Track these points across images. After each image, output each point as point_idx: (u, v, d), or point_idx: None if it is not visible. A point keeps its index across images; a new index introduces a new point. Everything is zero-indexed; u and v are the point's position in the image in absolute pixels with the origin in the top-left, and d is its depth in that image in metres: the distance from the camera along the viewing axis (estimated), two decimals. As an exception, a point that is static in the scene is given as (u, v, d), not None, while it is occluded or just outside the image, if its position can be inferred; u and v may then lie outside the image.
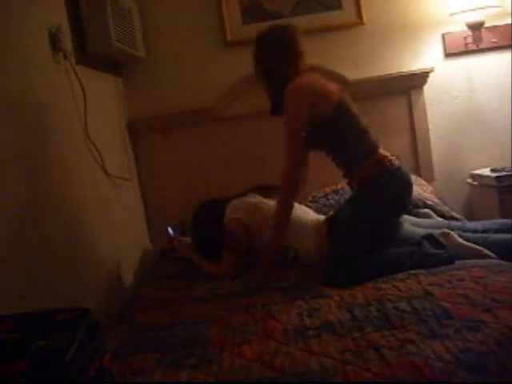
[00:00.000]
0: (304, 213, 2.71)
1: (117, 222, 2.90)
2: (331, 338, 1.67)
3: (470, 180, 3.50)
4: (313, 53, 3.35)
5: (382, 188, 2.42)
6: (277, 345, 1.68)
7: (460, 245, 2.30)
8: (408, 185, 2.48)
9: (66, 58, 2.51)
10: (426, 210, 2.86)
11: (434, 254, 2.25)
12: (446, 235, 2.34)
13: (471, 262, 2.18)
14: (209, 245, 2.75)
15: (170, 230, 2.90)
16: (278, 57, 2.51)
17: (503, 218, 3.12)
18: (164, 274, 2.73)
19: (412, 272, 2.13)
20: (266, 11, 3.44)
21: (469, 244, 2.29)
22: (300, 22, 3.37)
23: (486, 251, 2.25)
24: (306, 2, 3.44)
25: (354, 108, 2.51)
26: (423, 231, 2.45)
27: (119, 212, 2.99)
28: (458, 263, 2.19)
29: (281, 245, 2.49)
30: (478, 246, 2.28)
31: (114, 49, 2.89)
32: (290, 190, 2.47)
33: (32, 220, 1.97)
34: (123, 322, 2.13)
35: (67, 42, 2.55)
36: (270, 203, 2.68)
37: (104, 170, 2.80)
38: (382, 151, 2.50)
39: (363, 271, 2.22)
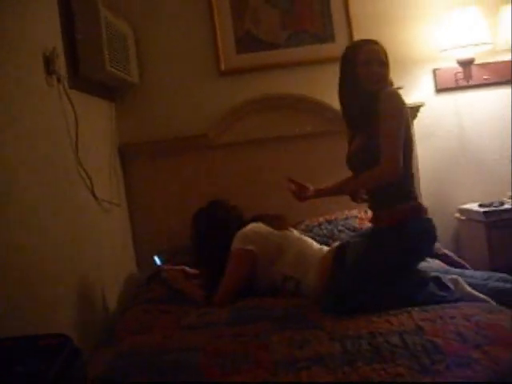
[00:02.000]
0: (307, 243, 2.68)
1: (104, 247, 2.88)
2: (321, 370, 1.65)
3: (458, 215, 3.52)
4: (305, 84, 3.44)
5: (410, 235, 2.39)
6: (267, 376, 1.66)
7: (468, 293, 2.27)
8: (435, 239, 2.49)
9: (59, 81, 2.51)
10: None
11: (440, 295, 2.23)
12: (454, 281, 2.31)
13: (463, 302, 2.17)
14: (206, 249, 2.72)
15: (157, 259, 2.86)
16: None
17: (491, 252, 3.14)
18: (151, 298, 2.69)
19: (405, 308, 2.11)
20: (260, 41, 3.48)
21: (476, 293, 2.26)
22: (293, 53, 3.45)
23: (492, 302, 2.21)
24: (299, 34, 3.48)
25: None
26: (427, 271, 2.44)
27: (107, 236, 2.97)
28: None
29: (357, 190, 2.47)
30: (484, 297, 2.25)
31: (107, 73, 2.89)
32: (394, 174, 2.34)
33: (19, 242, 1.94)
34: (108, 345, 2.09)
35: (61, 66, 2.55)
36: (275, 233, 2.66)
37: (93, 193, 2.78)
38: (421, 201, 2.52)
39: (372, 302, 2.19)
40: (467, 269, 2.70)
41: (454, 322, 1.90)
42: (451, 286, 2.29)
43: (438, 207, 3.45)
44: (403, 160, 2.34)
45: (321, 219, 3.20)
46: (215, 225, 2.75)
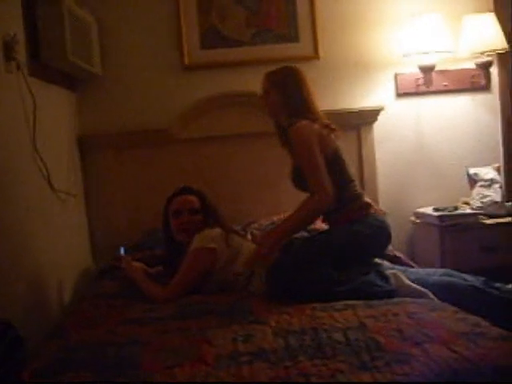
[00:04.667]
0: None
1: (58, 237, 2.85)
2: (263, 365, 1.66)
3: (413, 218, 3.58)
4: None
5: (357, 232, 2.46)
6: (208, 369, 1.66)
7: (408, 286, 2.33)
8: (387, 237, 2.56)
9: (18, 68, 2.49)
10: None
11: (377, 284, 2.30)
12: (394, 275, 2.38)
13: (407, 298, 2.23)
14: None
15: (122, 249, 2.85)
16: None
17: (443, 256, 3.20)
18: (102, 293, 2.67)
19: (350, 303, 2.16)
20: (225, 38, 3.49)
21: (416, 286, 2.33)
22: (258, 51, 3.47)
23: (431, 294, 2.28)
24: (264, 33, 3.50)
25: (344, 154, 2.60)
26: None
27: (62, 228, 2.94)
28: (395, 299, 2.22)
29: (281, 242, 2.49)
30: (423, 289, 2.31)
31: (68, 63, 2.87)
32: (327, 202, 2.44)
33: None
34: (54, 338, 2.08)
35: (21, 52, 2.53)
36: (235, 238, 2.67)
37: (49, 183, 2.76)
38: (367, 199, 2.59)
39: (303, 284, 2.26)
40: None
41: (396, 320, 1.93)
42: (391, 278, 2.35)
43: (394, 210, 3.52)
44: (337, 173, 2.48)
45: (275, 218, 3.20)
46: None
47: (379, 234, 2.53)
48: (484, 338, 1.75)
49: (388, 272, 2.40)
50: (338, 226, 2.53)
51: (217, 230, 2.64)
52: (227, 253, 2.57)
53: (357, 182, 2.62)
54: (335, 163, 2.52)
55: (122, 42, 3.48)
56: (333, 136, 2.59)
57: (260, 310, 2.19)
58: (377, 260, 2.66)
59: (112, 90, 3.49)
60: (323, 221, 2.69)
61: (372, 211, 2.57)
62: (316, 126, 2.50)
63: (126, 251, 2.85)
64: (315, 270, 2.32)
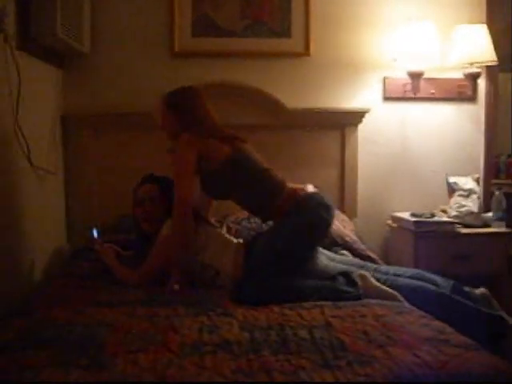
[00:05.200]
0: (228, 239, 2.71)
1: (34, 214, 2.83)
2: (226, 356, 1.67)
3: (390, 221, 3.60)
4: (257, 75, 3.45)
5: (299, 213, 2.50)
6: (172, 356, 1.67)
7: (375, 287, 2.37)
8: (326, 206, 2.55)
9: (6, 40, 2.46)
10: (344, 252, 2.91)
11: (345, 290, 2.32)
12: (362, 277, 2.41)
13: (375, 301, 2.25)
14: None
15: (94, 231, 2.84)
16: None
17: (417, 261, 3.23)
18: (73, 273, 2.67)
19: (318, 303, 2.18)
20: (217, 27, 3.47)
21: (384, 287, 2.36)
22: (249, 44, 3.46)
23: (399, 296, 2.31)
24: (257, 26, 3.49)
25: (255, 155, 2.63)
26: (338, 266, 2.53)
27: (39, 205, 2.91)
28: (364, 301, 2.25)
29: (179, 267, 2.49)
30: (392, 290, 2.34)
31: (58, 39, 2.84)
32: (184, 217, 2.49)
33: None
34: (19, 316, 2.07)
35: (10, 25, 2.50)
36: (204, 226, 2.68)
37: (29, 159, 2.74)
38: (290, 185, 2.61)
39: (270, 295, 2.26)
40: None
41: (362, 321, 1.96)
42: (359, 281, 2.37)
43: (371, 212, 3.55)
44: (242, 174, 2.55)
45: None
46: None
47: (321, 204, 2.54)
48: (447, 344, 1.77)
49: (356, 274, 2.42)
50: (277, 222, 2.56)
51: None
52: (196, 243, 2.57)
53: (274, 173, 2.62)
54: (237, 167, 2.55)
55: (113, 23, 3.44)
56: (240, 144, 2.63)
57: (228, 303, 2.21)
58: (347, 256, 2.68)
59: (100, 70, 3.46)
60: (262, 221, 2.74)
61: (300, 194, 2.59)
62: (200, 140, 2.55)
63: (98, 232, 2.85)
64: (281, 281, 2.35)
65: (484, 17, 3.65)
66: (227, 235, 2.77)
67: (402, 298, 2.31)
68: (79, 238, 3.25)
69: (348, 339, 1.79)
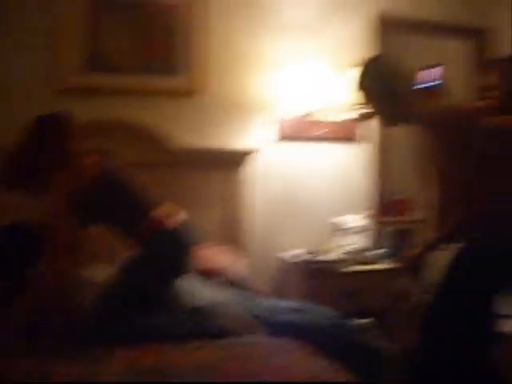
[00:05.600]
0: None
1: None
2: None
3: (279, 260, 3.63)
4: (146, 115, 3.39)
5: (152, 248, 2.43)
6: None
7: (237, 317, 2.38)
8: (181, 245, 2.49)
9: None
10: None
11: (207, 325, 2.31)
12: (225, 306, 2.42)
13: (266, 339, 2.27)
14: None
15: None
16: None
17: (306, 298, 3.27)
18: None
19: (202, 344, 2.16)
20: (109, 63, 3.40)
21: (246, 319, 2.38)
22: (141, 81, 3.43)
23: (259, 326, 2.34)
24: (150, 64, 3.45)
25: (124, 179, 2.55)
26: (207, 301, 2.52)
27: None
28: (250, 339, 2.26)
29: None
30: (252, 320, 2.37)
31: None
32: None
33: None
34: None
35: None
36: None
37: None
38: (157, 213, 2.51)
39: (126, 334, 2.22)
40: None
41: (249, 362, 1.96)
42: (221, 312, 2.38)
43: (262, 250, 3.57)
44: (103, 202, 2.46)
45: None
46: None
47: (176, 243, 2.49)
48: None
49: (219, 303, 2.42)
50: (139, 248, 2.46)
51: None
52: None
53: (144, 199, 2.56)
54: (106, 196, 2.49)
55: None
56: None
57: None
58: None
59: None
60: None
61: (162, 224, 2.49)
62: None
63: None
64: (126, 320, 2.29)
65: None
66: None
67: (261, 328, 2.33)
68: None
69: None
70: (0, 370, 1.90)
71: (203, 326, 2.30)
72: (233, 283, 2.97)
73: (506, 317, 3.10)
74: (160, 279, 2.45)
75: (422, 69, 2.86)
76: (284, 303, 2.70)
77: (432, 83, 2.84)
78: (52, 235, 2.38)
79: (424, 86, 2.86)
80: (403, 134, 2.60)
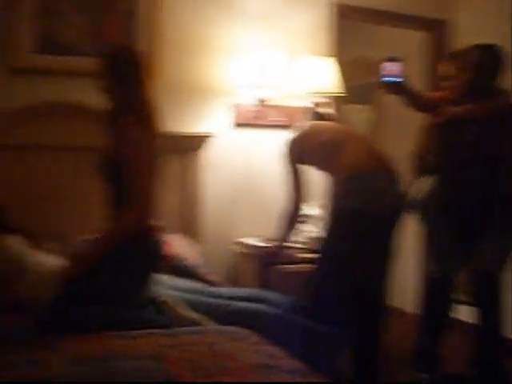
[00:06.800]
0: (47, 260, 2.55)
1: None
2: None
3: (235, 246, 3.59)
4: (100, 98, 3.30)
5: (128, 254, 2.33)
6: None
7: (179, 315, 2.32)
8: (154, 260, 2.46)
9: None
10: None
11: (152, 319, 2.25)
12: (163, 303, 2.35)
13: (214, 327, 2.24)
14: None
15: None
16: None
17: (261, 286, 3.24)
18: None
19: (152, 331, 2.11)
20: (59, 44, 3.31)
21: (187, 314, 2.32)
22: (92, 63, 3.30)
23: (207, 323, 2.29)
24: (101, 46, 3.34)
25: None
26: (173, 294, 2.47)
27: None
28: (201, 328, 2.23)
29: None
30: (197, 317, 2.32)
31: None
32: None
33: None
34: None
35: None
36: (30, 252, 2.52)
37: None
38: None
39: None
40: None
41: (194, 350, 1.92)
42: (164, 307, 2.33)
43: (217, 237, 3.54)
44: None
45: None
46: None
47: (147, 256, 2.42)
48: (277, 371, 1.78)
49: (160, 299, 2.36)
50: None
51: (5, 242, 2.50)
52: (7, 268, 2.41)
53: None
54: None
55: None
56: None
57: (53, 335, 2.05)
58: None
59: None
60: None
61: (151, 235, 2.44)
62: None
63: None
64: (90, 315, 2.20)
65: (333, 49, 3.84)
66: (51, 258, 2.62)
67: (208, 323, 2.30)
68: None
69: (176, 370, 1.73)
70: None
71: (153, 319, 2.26)
72: (186, 270, 2.92)
73: (462, 303, 3.24)
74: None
75: (385, 60, 2.86)
76: (237, 291, 2.67)
77: (394, 79, 2.85)
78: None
79: (387, 79, 2.86)
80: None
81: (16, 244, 2.52)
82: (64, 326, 2.11)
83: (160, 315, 2.29)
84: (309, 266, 3.08)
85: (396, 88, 2.90)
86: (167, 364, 1.77)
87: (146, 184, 2.29)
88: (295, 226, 3.08)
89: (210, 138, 3.50)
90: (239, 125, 3.67)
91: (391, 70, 2.83)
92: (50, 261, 2.54)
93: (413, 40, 4.53)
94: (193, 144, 3.48)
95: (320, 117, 3.20)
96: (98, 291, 2.23)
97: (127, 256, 2.28)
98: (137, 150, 2.27)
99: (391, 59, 2.84)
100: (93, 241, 2.37)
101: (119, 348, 1.91)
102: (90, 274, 2.24)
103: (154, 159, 2.40)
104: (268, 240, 3.33)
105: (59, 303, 2.20)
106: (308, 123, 3.13)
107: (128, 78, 2.41)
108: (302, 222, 3.30)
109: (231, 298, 2.55)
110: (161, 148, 2.47)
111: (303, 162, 3.01)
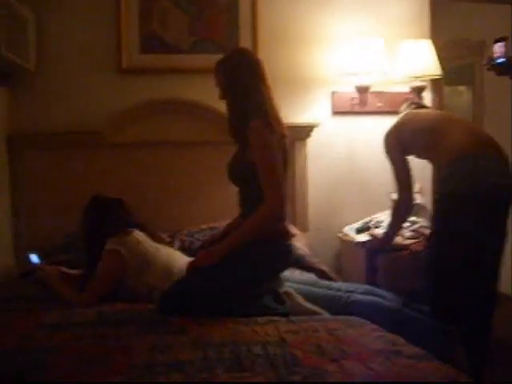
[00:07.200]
0: (176, 257, 2.67)
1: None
2: (179, 376, 1.63)
3: (341, 235, 3.60)
4: (205, 91, 3.40)
5: (262, 255, 2.36)
6: (122, 379, 1.63)
7: (300, 305, 2.37)
8: (285, 264, 2.48)
9: None
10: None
11: (272, 308, 2.31)
12: (288, 295, 2.40)
13: (332, 317, 2.28)
14: (84, 248, 2.65)
15: (32, 256, 2.72)
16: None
17: (368, 275, 3.24)
18: (20, 295, 2.59)
19: (273, 318, 2.18)
20: (165, 44, 3.46)
21: (308, 306, 2.37)
22: (196, 59, 3.45)
23: (326, 315, 2.32)
24: (205, 42, 3.49)
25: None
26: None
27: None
28: (317, 316, 2.28)
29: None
30: (317, 309, 2.36)
31: (1, 57, 2.78)
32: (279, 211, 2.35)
33: None
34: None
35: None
36: (149, 243, 2.63)
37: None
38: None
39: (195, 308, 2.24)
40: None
41: (316, 336, 1.96)
42: (286, 299, 2.37)
43: (322, 225, 3.56)
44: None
45: (204, 226, 3.20)
46: (89, 224, 2.67)
47: (278, 259, 2.45)
48: (399, 356, 1.78)
49: (282, 291, 2.41)
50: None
51: (134, 235, 2.60)
52: (136, 261, 2.52)
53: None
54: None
55: (59, 40, 3.40)
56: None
57: (180, 320, 2.15)
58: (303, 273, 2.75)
59: (46, 88, 3.40)
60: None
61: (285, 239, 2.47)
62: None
63: (38, 257, 2.74)
64: (213, 299, 2.27)
65: (428, 32, 3.74)
66: (178, 252, 2.74)
67: (327, 315, 2.32)
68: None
69: (301, 354, 1.78)
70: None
71: (272, 307, 2.32)
72: (297, 260, 2.95)
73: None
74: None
75: (495, 41, 2.77)
76: (351, 285, 2.67)
77: (502, 59, 2.75)
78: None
79: (500, 61, 2.78)
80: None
81: (142, 237, 2.64)
82: (191, 309, 2.21)
83: (278, 304, 2.34)
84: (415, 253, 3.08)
85: (505, 68, 2.81)
86: (293, 349, 1.82)
87: (279, 181, 2.34)
88: (408, 217, 3.07)
89: (313, 127, 3.53)
90: (339, 113, 3.67)
91: (501, 52, 2.76)
92: (170, 252, 2.68)
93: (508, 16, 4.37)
94: (301, 134, 3.52)
95: (417, 105, 3.16)
96: (226, 280, 2.30)
97: (261, 255, 2.34)
98: (269, 153, 2.34)
99: (499, 39, 2.76)
100: (225, 229, 2.54)
101: (246, 334, 1.99)
102: (224, 262, 2.31)
103: (283, 160, 2.46)
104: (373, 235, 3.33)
105: (187, 287, 2.29)
106: (403, 113, 3.09)
107: (250, 83, 2.45)
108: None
109: (348, 291, 2.57)
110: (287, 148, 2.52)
111: (403, 153, 2.98)
